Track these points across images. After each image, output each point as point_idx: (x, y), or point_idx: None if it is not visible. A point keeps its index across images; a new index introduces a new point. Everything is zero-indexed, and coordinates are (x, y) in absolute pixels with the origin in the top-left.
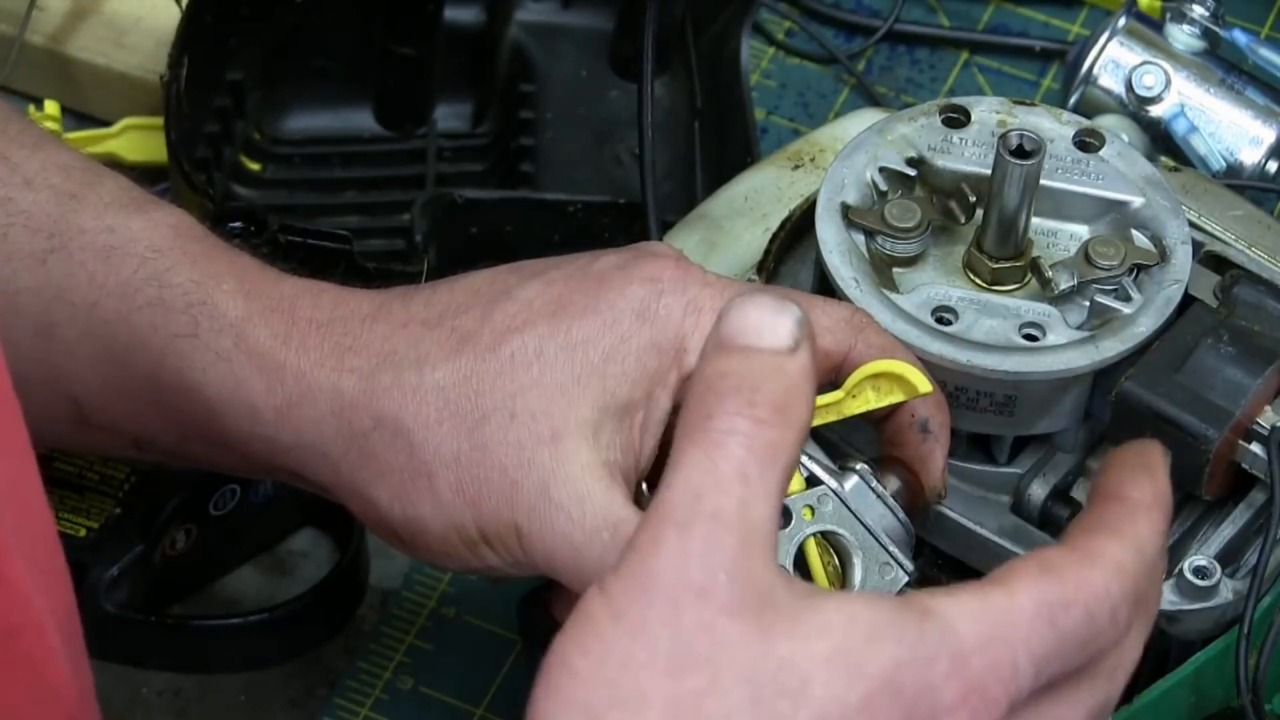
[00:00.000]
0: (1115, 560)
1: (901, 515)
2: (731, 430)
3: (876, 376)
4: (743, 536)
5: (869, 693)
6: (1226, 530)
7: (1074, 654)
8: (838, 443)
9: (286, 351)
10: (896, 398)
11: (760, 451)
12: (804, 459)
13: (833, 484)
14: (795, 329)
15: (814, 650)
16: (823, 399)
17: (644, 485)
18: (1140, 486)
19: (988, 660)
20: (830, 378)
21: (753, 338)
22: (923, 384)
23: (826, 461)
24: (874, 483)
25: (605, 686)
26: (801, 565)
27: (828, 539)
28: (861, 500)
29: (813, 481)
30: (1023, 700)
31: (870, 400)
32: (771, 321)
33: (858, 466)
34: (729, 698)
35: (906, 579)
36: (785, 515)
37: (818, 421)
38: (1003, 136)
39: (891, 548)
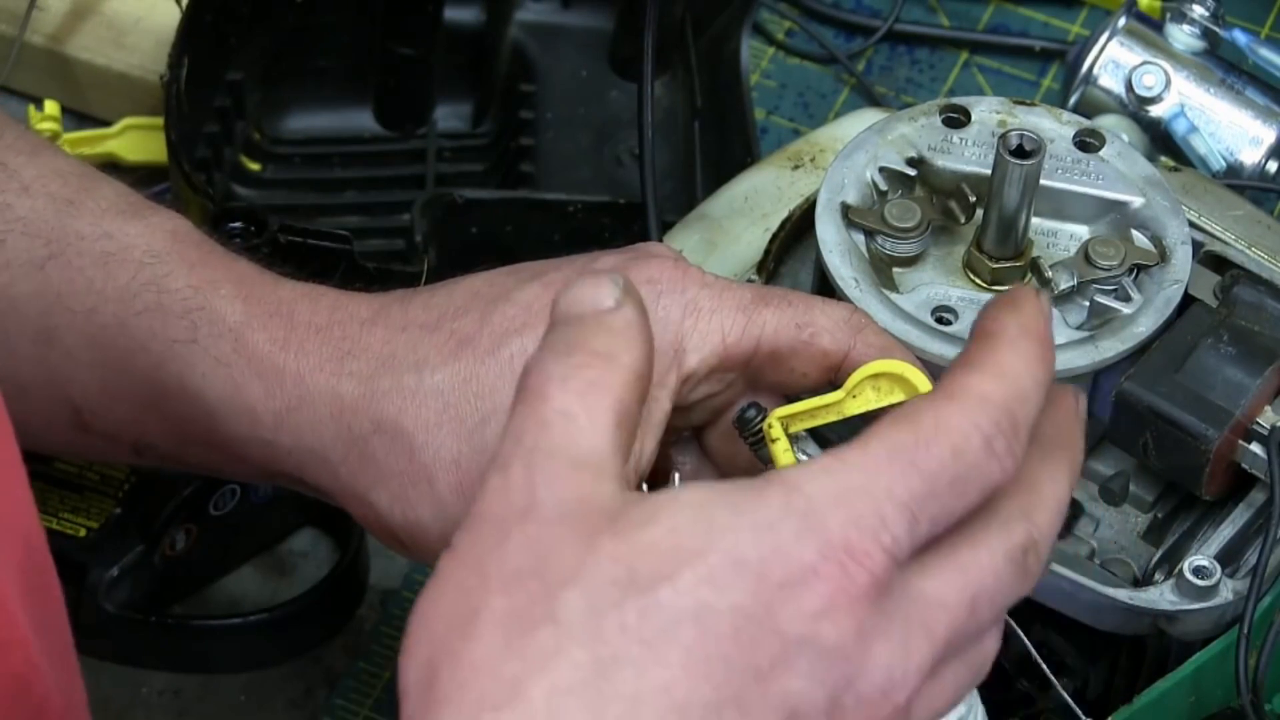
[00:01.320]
0: (977, 392)
1: None
2: (547, 378)
3: (877, 376)
4: (568, 461)
5: (707, 569)
6: (1226, 530)
7: (951, 493)
8: (837, 443)
9: (285, 356)
10: (897, 397)
11: (581, 390)
12: (804, 458)
13: None
14: (615, 291)
15: (639, 540)
16: (823, 399)
17: (644, 486)
18: (1000, 320)
19: (846, 514)
20: (829, 378)
21: (575, 308)
22: (923, 384)
23: None
24: None
25: (444, 616)
26: None
27: None
28: None
29: None
30: (907, 553)
31: (871, 400)
32: (592, 291)
33: None
34: (561, 602)
35: None
36: None
37: (819, 422)
38: (1003, 136)
39: None
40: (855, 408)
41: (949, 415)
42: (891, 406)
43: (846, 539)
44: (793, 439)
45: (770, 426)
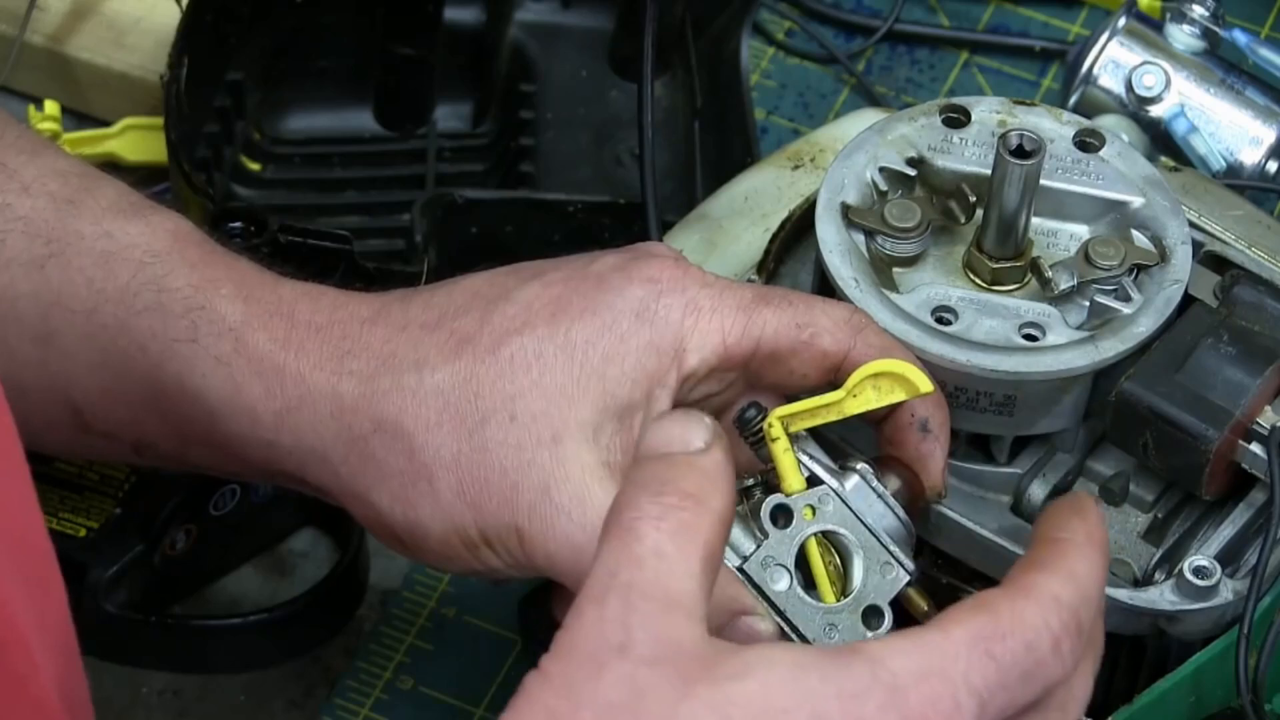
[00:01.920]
0: (1051, 593)
1: (902, 515)
2: (642, 516)
3: (877, 376)
4: (661, 602)
5: None
6: (1226, 530)
7: (1019, 686)
8: (838, 443)
9: (285, 355)
10: (897, 397)
11: (674, 531)
12: (805, 459)
13: (834, 484)
14: (705, 433)
15: (732, 692)
16: (824, 398)
17: None
18: (1071, 528)
19: (925, 695)
20: (830, 378)
21: (665, 446)
22: (924, 383)
23: (827, 461)
24: (874, 482)
25: None
26: (803, 565)
27: (829, 539)
28: (862, 500)
29: (814, 481)
30: None
31: (871, 400)
32: (682, 430)
33: (858, 466)
34: None
35: (908, 578)
36: (786, 515)
37: (820, 421)
38: (1003, 136)
39: (893, 547)
40: (855, 407)
41: (1025, 611)
42: (891, 406)
43: (923, 716)
44: (793, 438)
45: (770, 426)
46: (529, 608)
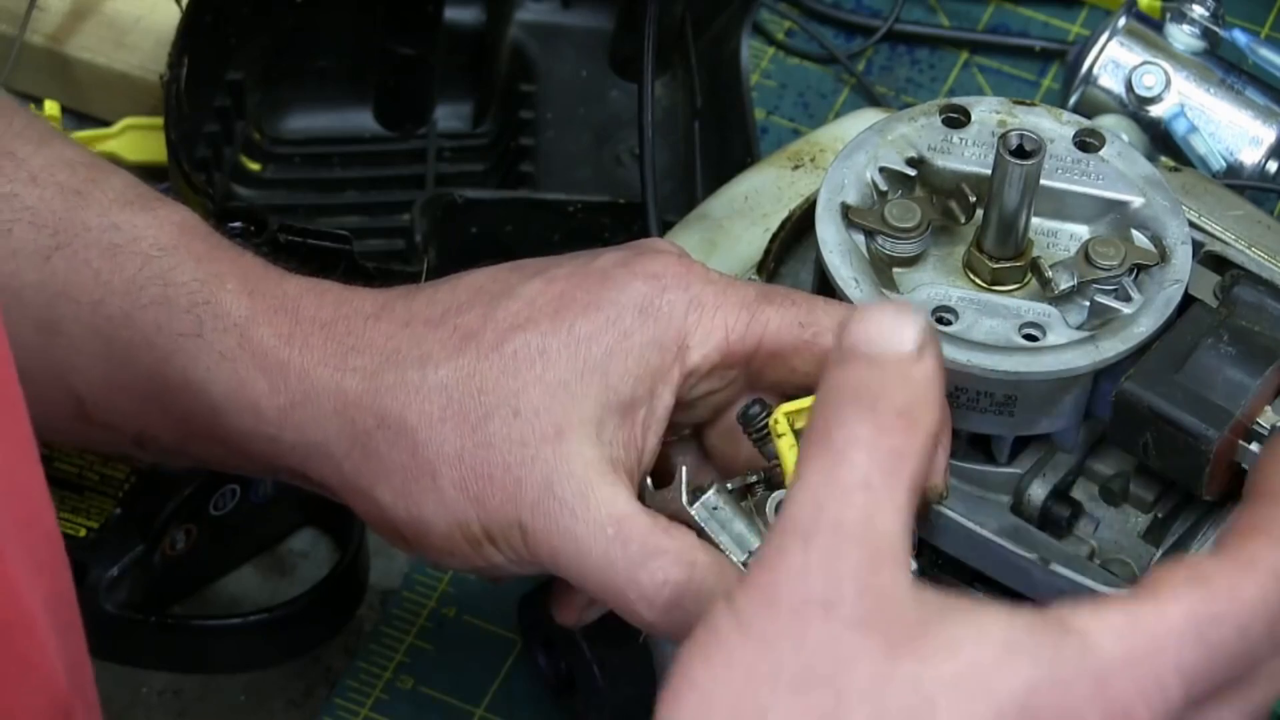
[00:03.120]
0: (1268, 564)
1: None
2: (853, 439)
3: None
4: (869, 547)
5: (1000, 717)
6: None
7: (1225, 671)
8: None
9: (290, 351)
10: None
11: (884, 459)
12: None
13: None
14: (919, 334)
15: (941, 670)
16: None
17: (648, 481)
18: None
19: (1133, 680)
20: None
21: (875, 345)
22: None
23: None
24: None
25: (727, 700)
26: None
27: None
28: None
29: None
30: (1176, 716)
31: None
32: (893, 328)
33: None
34: (852, 717)
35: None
36: None
37: None
38: (1003, 136)
39: None
40: None
41: (1243, 588)
42: None
43: (1129, 706)
44: (798, 435)
45: (776, 422)
46: (529, 607)
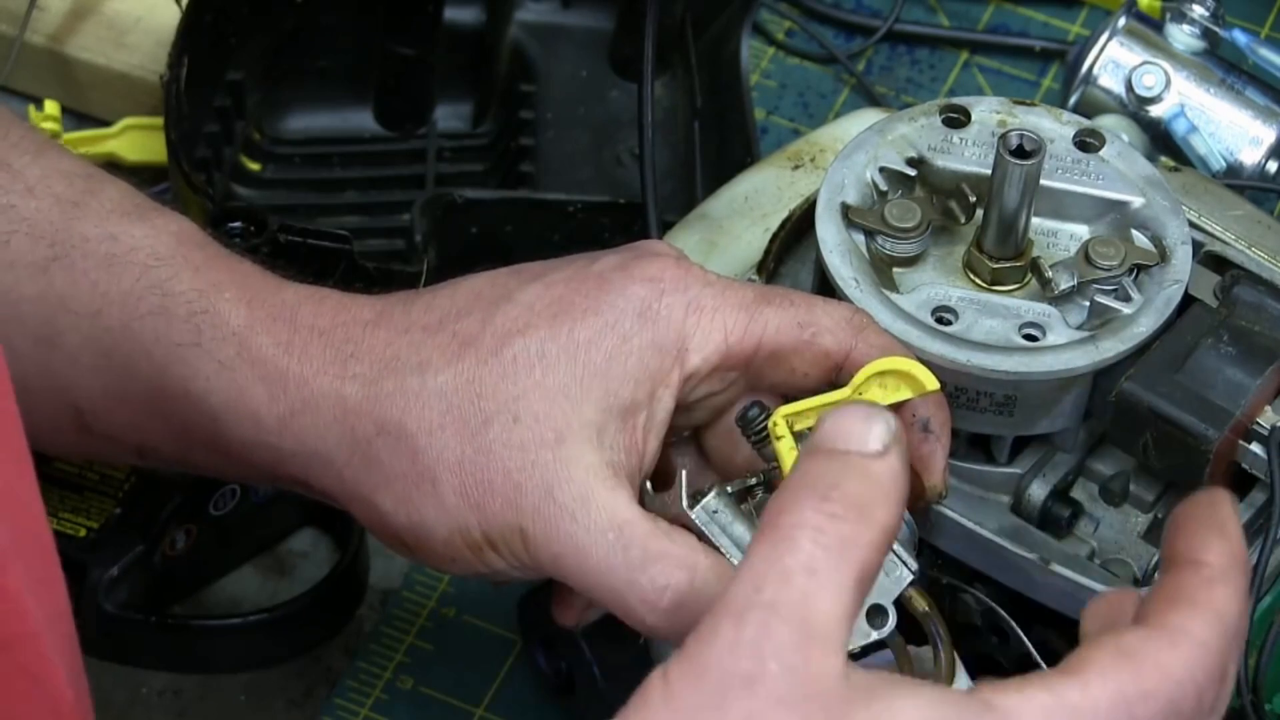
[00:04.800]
0: (1198, 639)
1: (905, 514)
2: (800, 524)
3: (884, 374)
4: (801, 629)
5: None
6: None
7: None
8: None
9: (289, 360)
10: (904, 394)
11: (831, 546)
12: None
13: None
14: (885, 434)
15: None
16: (830, 396)
17: (648, 485)
18: (1214, 550)
19: None
20: (830, 378)
21: (841, 442)
22: (930, 381)
23: None
24: None
25: None
26: None
27: None
28: None
29: None
30: None
31: (877, 397)
32: (861, 427)
33: None
34: None
35: (911, 577)
36: None
37: None
38: (1003, 136)
39: (896, 546)
40: None
41: (1172, 666)
42: (896, 405)
43: None
44: (797, 437)
45: (775, 424)
46: (529, 608)
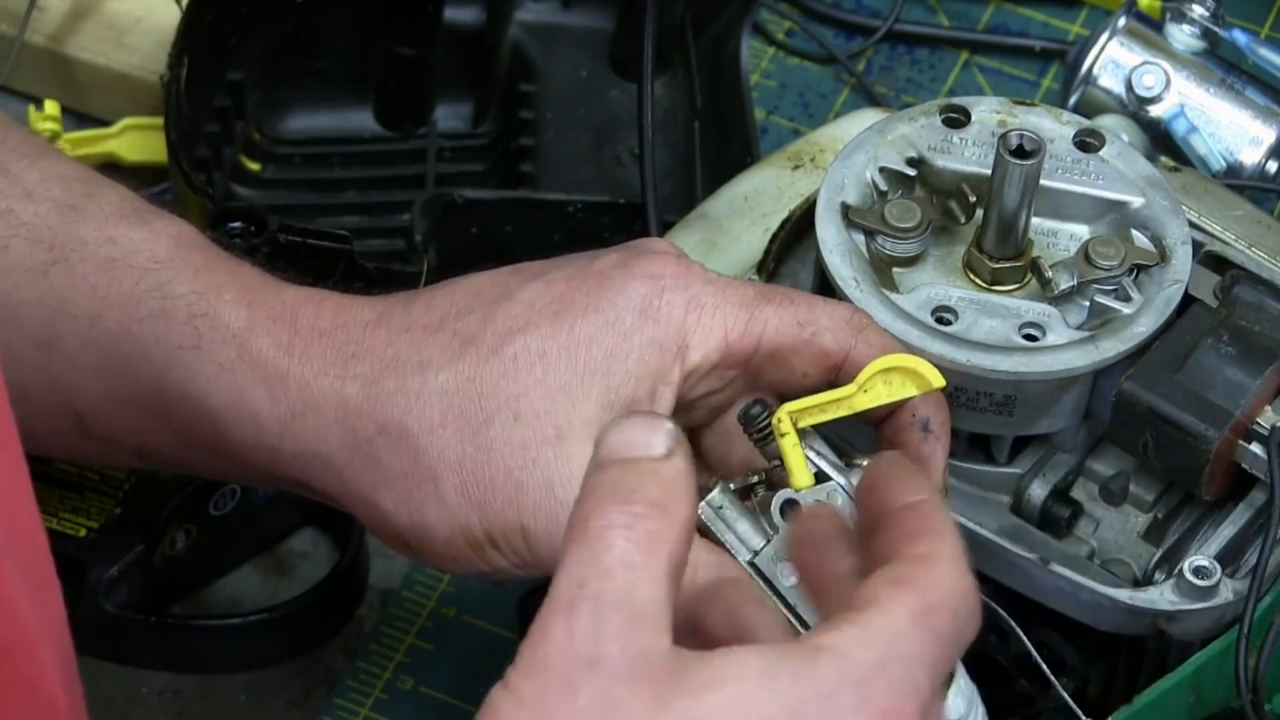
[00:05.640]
0: (947, 557)
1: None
2: (610, 525)
3: (888, 371)
4: (630, 614)
5: None
6: (1226, 530)
7: (955, 654)
8: (838, 443)
9: (289, 361)
10: (909, 392)
11: (641, 540)
12: (813, 455)
13: (840, 479)
14: (667, 439)
15: (708, 701)
16: (834, 393)
17: None
18: (918, 489)
19: (889, 682)
20: (830, 377)
21: (628, 451)
22: (935, 378)
23: (834, 458)
24: None
25: None
26: None
27: None
28: None
29: (821, 477)
30: (929, 704)
31: (882, 394)
32: (644, 434)
33: (863, 462)
34: None
35: None
36: (796, 510)
37: (829, 416)
38: (1003, 136)
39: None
40: (866, 402)
41: (939, 579)
42: (893, 405)
43: (891, 705)
44: (801, 434)
45: (780, 421)
46: (529, 607)
